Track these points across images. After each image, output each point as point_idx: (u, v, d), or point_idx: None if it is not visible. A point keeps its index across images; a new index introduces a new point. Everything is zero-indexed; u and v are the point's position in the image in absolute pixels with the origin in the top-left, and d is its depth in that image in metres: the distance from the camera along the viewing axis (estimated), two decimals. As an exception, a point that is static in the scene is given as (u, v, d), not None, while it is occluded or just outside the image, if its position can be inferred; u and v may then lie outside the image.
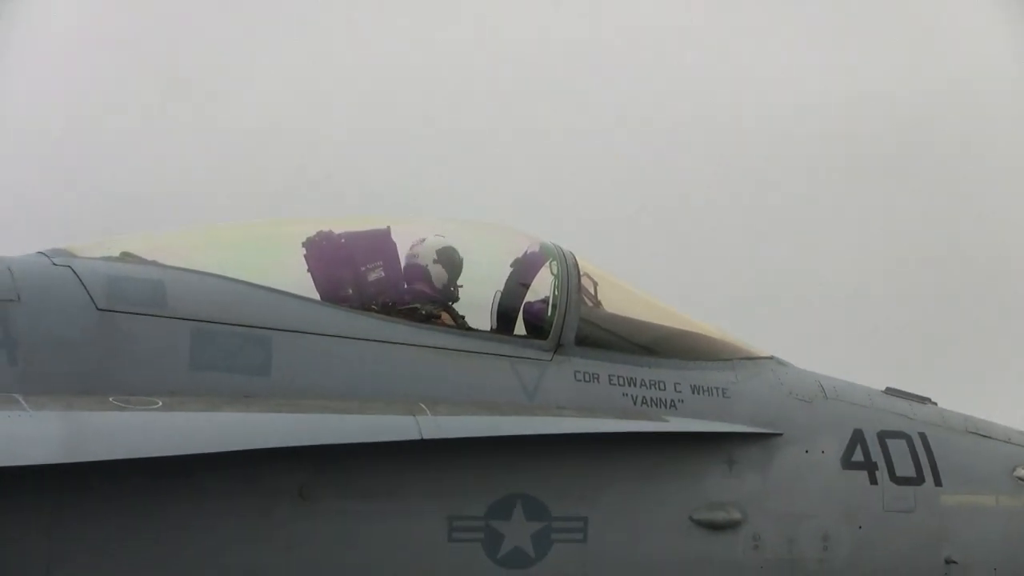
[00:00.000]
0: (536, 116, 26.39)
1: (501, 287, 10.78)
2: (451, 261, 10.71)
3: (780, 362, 11.23)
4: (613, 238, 25.15)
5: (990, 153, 26.69)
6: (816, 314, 26.00)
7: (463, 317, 10.53)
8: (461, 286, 10.71)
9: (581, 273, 10.70)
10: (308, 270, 10.27)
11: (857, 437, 10.99)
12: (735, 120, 26.64)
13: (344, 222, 10.70)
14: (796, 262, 26.42)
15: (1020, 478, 11.59)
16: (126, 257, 9.74)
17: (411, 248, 10.70)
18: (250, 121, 24.97)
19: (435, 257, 10.67)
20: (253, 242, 10.90)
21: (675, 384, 10.47)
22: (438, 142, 26.00)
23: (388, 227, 10.62)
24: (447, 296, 10.61)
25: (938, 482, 11.18)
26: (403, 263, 10.63)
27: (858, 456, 10.95)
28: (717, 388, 10.62)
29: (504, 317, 10.61)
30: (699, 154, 26.60)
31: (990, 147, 26.65)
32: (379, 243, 10.55)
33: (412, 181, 25.48)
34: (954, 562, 11.16)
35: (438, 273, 10.63)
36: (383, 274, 10.39)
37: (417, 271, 10.61)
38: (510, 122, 26.32)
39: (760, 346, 11.35)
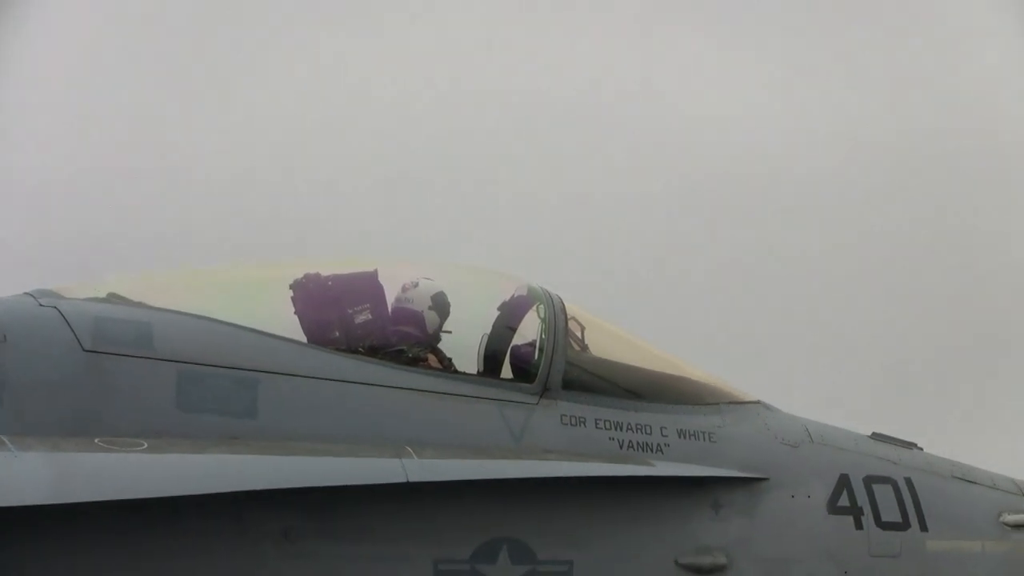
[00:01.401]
0: (517, 157, 26.51)
1: (488, 330, 10.78)
2: (443, 306, 10.74)
3: (766, 406, 11.24)
4: (597, 277, 25.22)
5: (989, 191, 26.80)
6: (802, 358, 26.01)
7: (450, 360, 10.54)
8: (449, 332, 10.73)
9: (568, 317, 10.72)
10: (295, 312, 10.27)
11: (843, 482, 10.99)
12: (721, 161, 26.75)
13: (331, 264, 10.71)
14: (783, 306, 26.46)
15: (1006, 524, 11.60)
16: (113, 298, 9.72)
17: (403, 291, 10.70)
18: (229, 162, 25.05)
19: (430, 304, 10.68)
20: (240, 284, 10.89)
21: (661, 428, 10.47)
22: (422, 186, 26.09)
23: (375, 270, 10.63)
24: (435, 339, 10.62)
25: (924, 527, 11.18)
26: (393, 306, 10.64)
27: (844, 501, 10.94)
28: (703, 432, 10.62)
29: (491, 360, 10.60)
30: (686, 192, 26.69)
31: (988, 187, 26.75)
32: (366, 286, 10.56)
33: (396, 222, 25.56)
34: None
35: (432, 319, 10.65)
36: (370, 317, 10.39)
37: (409, 315, 10.60)
38: (493, 168, 26.44)
39: (746, 390, 11.36)
